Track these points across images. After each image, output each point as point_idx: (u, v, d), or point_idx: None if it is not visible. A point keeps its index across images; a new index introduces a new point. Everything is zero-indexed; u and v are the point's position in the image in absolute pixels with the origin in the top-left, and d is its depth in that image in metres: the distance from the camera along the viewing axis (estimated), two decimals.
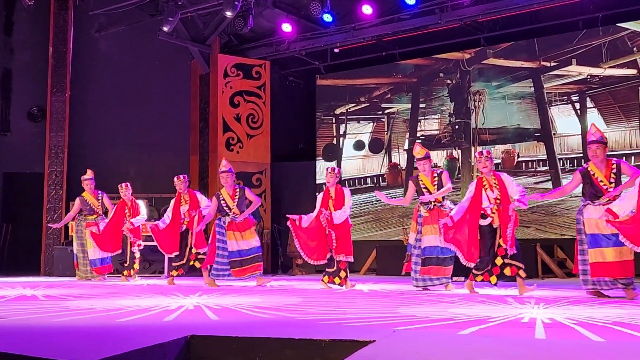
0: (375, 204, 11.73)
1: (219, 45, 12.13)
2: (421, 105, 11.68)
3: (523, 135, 10.61)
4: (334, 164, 12.12)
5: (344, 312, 4.39)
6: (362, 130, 12.24)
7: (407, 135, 11.73)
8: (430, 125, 11.57)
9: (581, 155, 9.98)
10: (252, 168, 12.02)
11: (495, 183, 6.25)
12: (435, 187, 6.93)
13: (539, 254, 9.41)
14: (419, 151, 7.11)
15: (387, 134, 11.97)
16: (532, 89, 10.59)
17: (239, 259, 7.62)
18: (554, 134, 10.32)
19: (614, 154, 8.80)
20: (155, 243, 8.65)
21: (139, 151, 12.10)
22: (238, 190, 7.85)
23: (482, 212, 6.23)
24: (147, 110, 12.25)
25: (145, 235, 9.24)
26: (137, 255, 9.04)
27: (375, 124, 12.14)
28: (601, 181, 5.75)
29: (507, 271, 6.15)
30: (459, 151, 11.11)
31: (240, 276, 7.66)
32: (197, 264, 8.30)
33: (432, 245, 6.83)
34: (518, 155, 10.59)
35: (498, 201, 6.18)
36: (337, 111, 12.54)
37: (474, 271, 6.30)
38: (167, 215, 8.50)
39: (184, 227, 8.40)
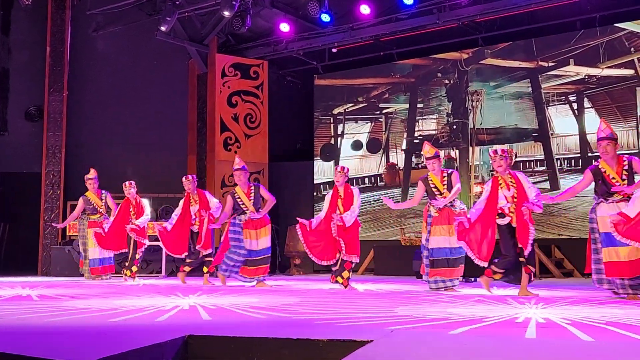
0: (373, 204, 11.73)
1: (216, 45, 12.13)
2: (419, 105, 11.69)
3: (521, 135, 10.62)
4: (332, 164, 12.14)
5: (342, 312, 4.39)
6: (360, 130, 12.25)
7: (405, 135, 11.74)
8: (428, 125, 11.57)
9: (579, 155, 10.00)
10: (249, 168, 11.74)
11: (512, 182, 6.03)
12: (445, 186, 6.88)
13: (536, 254, 9.41)
14: (428, 150, 7.03)
15: (384, 133, 11.98)
16: (530, 89, 10.60)
17: (250, 259, 7.50)
18: (552, 134, 10.33)
19: None
20: (155, 243, 8.58)
21: (136, 151, 12.08)
22: (253, 187, 7.76)
23: (500, 211, 6.03)
24: (145, 110, 12.25)
25: (150, 236, 9.19)
26: (138, 257, 8.97)
27: (373, 123, 12.14)
28: (613, 178, 5.58)
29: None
30: (457, 151, 11.12)
31: (249, 276, 7.51)
32: (205, 268, 8.18)
33: (440, 246, 6.75)
34: (516, 155, 10.59)
35: (515, 199, 5.96)
36: (335, 111, 12.54)
37: (493, 268, 6.09)
38: (175, 216, 8.34)
39: (196, 227, 8.24)
